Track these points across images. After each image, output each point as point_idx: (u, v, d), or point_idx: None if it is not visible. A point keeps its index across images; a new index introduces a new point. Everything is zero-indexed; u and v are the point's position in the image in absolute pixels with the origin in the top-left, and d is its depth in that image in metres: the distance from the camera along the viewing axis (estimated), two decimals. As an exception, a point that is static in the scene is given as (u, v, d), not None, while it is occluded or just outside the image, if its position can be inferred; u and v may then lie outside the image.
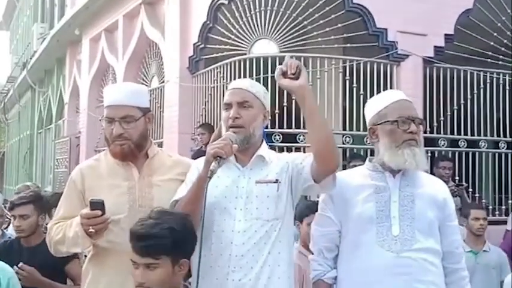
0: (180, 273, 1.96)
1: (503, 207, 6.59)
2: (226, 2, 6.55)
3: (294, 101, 6.04)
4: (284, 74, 2.07)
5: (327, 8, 6.19)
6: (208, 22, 6.88)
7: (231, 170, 2.18)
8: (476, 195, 6.64)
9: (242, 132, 2.17)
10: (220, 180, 2.13)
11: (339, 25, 6.29)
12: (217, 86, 6.72)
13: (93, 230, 2.06)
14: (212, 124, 6.60)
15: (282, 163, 2.22)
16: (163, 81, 7.91)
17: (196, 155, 5.39)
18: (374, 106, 2.27)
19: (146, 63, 8.90)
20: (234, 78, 6.27)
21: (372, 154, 6.49)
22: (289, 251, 2.21)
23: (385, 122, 2.19)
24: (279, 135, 5.95)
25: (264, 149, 2.25)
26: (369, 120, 2.27)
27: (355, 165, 5.68)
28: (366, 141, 6.34)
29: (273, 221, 2.14)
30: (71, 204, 2.32)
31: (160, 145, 6.72)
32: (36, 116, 16.67)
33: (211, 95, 6.89)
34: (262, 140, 2.27)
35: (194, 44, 7.17)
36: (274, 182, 2.16)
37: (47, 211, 3.56)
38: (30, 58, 15.47)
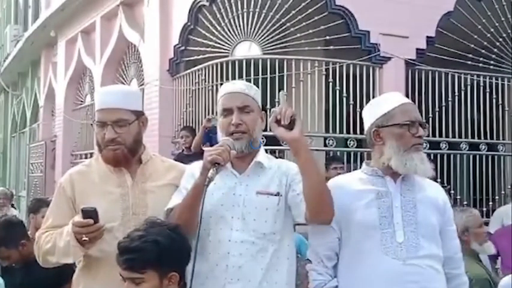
0: (170, 287, 1.88)
1: (484, 208, 6.62)
2: (207, 4, 6.47)
3: (277, 104, 6.01)
4: (278, 121, 1.96)
5: (310, 10, 6.15)
6: (189, 24, 6.80)
7: (227, 176, 2.10)
8: (458, 197, 6.68)
9: (245, 138, 2.09)
10: (216, 187, 2.04)
11: (322, 27, 6.26)
12: (198, 89, 6.63)
13: (86, 239, 1.96)
14: (194, 127, 6.52)
15: (281, 176, 2.13)
16: (142, 84, 7.78)
17: (178, 159, 5.30)
18: (379, 107, 2.18)
19: (125, 65, 8.76)
20: (216, 81, 6.20)
21: (356, 157, 6.54)
22: (289, 269, 2.12)
23: (393, 124, 2.11)
24: (262, 138, 5.86)
25: (262, 155, 2.16)
26: (372, 121, 2.18)
27: (336, 168, 5.73)
28: (349, 144, 6.33)
29: (270, 235, 2.06)
30: (60, 212, 2.22)
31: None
32: (10, 120, 16.36)
33: (192, 97, 6.80)
34: (260, 145, 2.19)
35: (175, 46, 7.08)
36: (276, 195, 2.08)
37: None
38: (4, 61, 15.16)
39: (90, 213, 1.96)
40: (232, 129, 2.09)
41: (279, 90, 6.03)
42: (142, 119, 2.28)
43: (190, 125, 6.69)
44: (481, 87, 6.82)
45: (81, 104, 10.30)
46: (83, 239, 1.97)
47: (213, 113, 5.75)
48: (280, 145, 5.92)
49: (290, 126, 1.95)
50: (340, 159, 5.96)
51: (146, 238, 1.82)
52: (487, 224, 5.85)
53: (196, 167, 2.18)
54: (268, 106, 5.83)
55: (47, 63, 12.21)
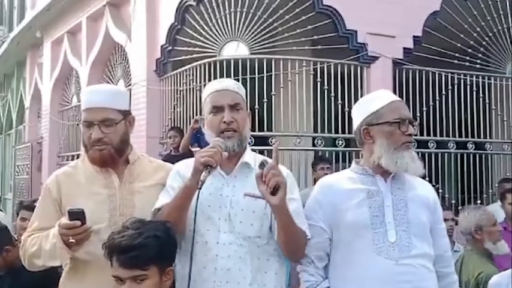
0: (167, 282, 1.86)
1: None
2: (194, 3, 6.44)
3: (265, 104, 6.01)
4: (262, 178, 1.89)
5: (297, 10, 6.15)
6: (176, 24, 6.76)
7: (215, 177, 2.05)
8: (446, 195, 6.70)
9: (236, 136, 2.06)
10: (203, 188, 1.98)
11: (309, 27, 6.26)
12: (186, 89, 6.60)
13: (73, 241, 1.92)
14: (182, 128, 6.49)
15: None
16: (129, 85, 7.73)
17: (166, 160, 5.26)
18: (369, 106, 2.15)
19: (111, 66, 8.70)
20: (204, 81, 6.17)
21: (344, 157, 6.53)
22: (279, 271, 2.10)
23: (383, 123, 2.09)
24: (250, 138, 5.86)
25: (248, 155, 2.13)
26: (362, 120, 2.15)
27: (323, 168, 5.72)
28: (338, 144, 6.33)
29: (255, 238, 2.03)
30: (46, 214, 2.17)
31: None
32: (-5, 122, 16.19)
33: (180, 98, 6.77)
34: (246, 145, 2.17)
35: (162, 46, 7.04)
36: (263, 198, 2.01)
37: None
38: (-11, 62, 14.99)
39: (77, 215, 1.92)
40: (223, 127, 2.06)
41: (267, 90, 6.05)
42: (129, 119, 2.24)
43: (178, 125, 6.65)
44: (468, 86, 6.85)
45: (67, 105, 10.22)
46: (70, 241, 1.93)
47: (201, 114, 5.71)
48: (269, 145, 5.92)
49: (274, 193, 1.88)
50: (327, 160, 5.96)
51: (147, 234, 1.79)
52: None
53: (182, 165, 2.15)
54: (256, 106, 5.85)
55: (32, 64, 12.10)
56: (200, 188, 1.89)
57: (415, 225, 2.07)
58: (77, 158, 6.96)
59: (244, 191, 1.99)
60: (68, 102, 10.26)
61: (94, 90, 2.28)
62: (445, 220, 4.08)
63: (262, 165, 1.89)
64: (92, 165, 2.20)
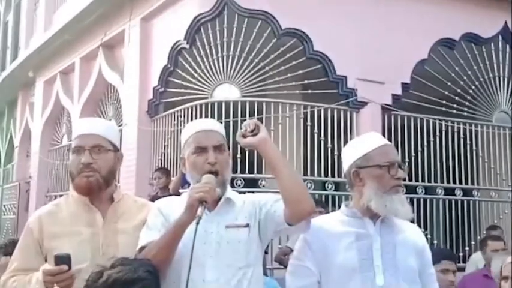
0: None
1: (460, 254, 6.65)
2: (187, 46, 6.54)
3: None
4: (244, 136, 2.04)
5: (288, 55, 6.27)
6: (169, 66, 6.85)
7: None
8: (435, 241, 6.70)
9: (219, 178, 2.06)
10: (189, 227, 1.96)
11: (300, 71, 6.38)
12: (177, 130, 6.63)
13: None
14: (170, 168, 6.48)
15: (249, 206, 2.12)
16: (121, 125, 7.75)
17: (153, 201, 5.22)
18: (359, 148, 2.17)
19: (103, 106, 8.74)
20: (196, 123, 6.20)
21: (333, 200, 6.54)
22: None
23: (373, 165, 2.10)
24: (241, 180, 5.89)
25: (230, 192, 2.15)
26: (352, 162, 2.16)
27: (321, 212, 5.68)
28: (327, 187, 6.35)
29: (245, 268, 2.03)
30: (26, 255, 2.11)
31: (116, 190, 6.52)
32: (-17, 160, 16.06)
33: (170, 139, 6.79)
34: (227, 186, 2.17)
35: (154, 88, 7.11)
36: (245, 226, 2.05)
37: None
38: (-20, 100, 14.99)
39: (64, 260, 1.87)
40: (207, 167, 2.06)
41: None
42: (118, 155, 2.23)
43: (168, 166, 6.65)
44: (456, 133, 6.95)
45: (57, 144, 10.20)
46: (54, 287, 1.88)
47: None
48: (259, 187, 5.93)
49: (255, 133, 2.03)
50: (321, 204, 5.91)
51: (142, 269, 1.76)
52: (462, 269, 5.89)
53: (162, 203, 2.15)
54: (247, 148, 5.87)
55: (23, 103, 12.12)
56: (198, 224, 1.87)
57: (404, 269, 2.06)
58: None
59: (226, 224, 2.02)
60: (58, 142, 10.24)
61: (88, 119, 2.32)
62: (446, 271, 3.76)
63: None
64: (75, 203, 2.15)
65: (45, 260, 2.06)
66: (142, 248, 2.01)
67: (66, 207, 2.17)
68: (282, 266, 5.92)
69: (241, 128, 2.05)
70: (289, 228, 2.05)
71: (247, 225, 2.07)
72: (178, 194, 5.47)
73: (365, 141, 2.20)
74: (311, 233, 2.14)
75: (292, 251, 5.72)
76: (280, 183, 2.00)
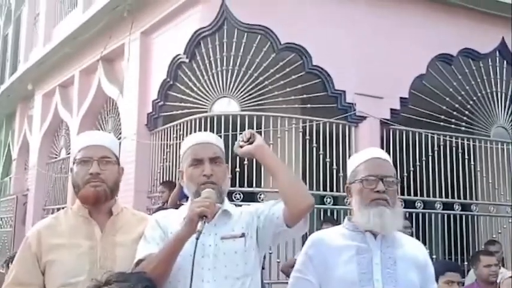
0: None
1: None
2: (187, 60, 6.58)
3: (254, 160, 6.04)
4: (241, 146, 2.13)
5: (288, 69, 6.31)
6: (168, 79, 6.88)
7: None
8: (433, 256, 6.68)
9: (216, 189, 2.08)
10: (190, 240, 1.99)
11: (299, 86, 6.41)
12: (176, 144, 6.64)
13: None
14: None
15: (246, 216, 2.15)
16: (119, 138, 7.76)
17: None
18: (350, 164, 2.25)
19: (102, 119, 8.76)
20: (195, 136, 6.21)
21: (332, 214, 6.51)
22: None
23: (355, 180, 2.16)
24: (239, 194, 5.89)
25: (227, 204, 2.18)
26: (348, 177, 2.24)
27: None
28: (326, 201, 6.35)
29: (243, 278, 2.04)
30: (23, 268, 2.11)
31: (115, 203, 6.51)
32: (-20, 173, 16.03)
33: (169, 152, 6.80)
34: (224, 197, 2.20)
35: (153, 101, 7.13)
36: (241, 237, 2.07)
37: None
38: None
39: None
40: (203, 179, 2.09)
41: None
42: (120, 168, 2.25)
43: (166, 180, 6.64)
44: (454, 148, 6.97)
45: (55, 157, 10.20)
46: None
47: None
48: (257, 201, 5.93)
49: (251, 142, 2.10)
50: (330, 220, 5.84)
51: (140, 285, 1.76)
52: (462, 284, 5.87)
53: (160, 216, 2.16)
54: (245, 162, 5.89)
55: (22, 116, 12.13)
56: (198, 238, 1.88)
57: (404, 284, 2.06)
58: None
59: (222, 235, 2.05)
60: (56, 155, 10.24)
61: (93, 132, 2.36)
62: (451, 282, 3.80)
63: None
64: (74, 216, 2.16)
65: (43, 274, 2.06)
66: (140, 260, 2.01)
67: (65, 220, 2.18)
68: (280, 281, 5.92)
69: (237, 141, 2.13)
70: (288, 231, 2.08)
71: (242, 235, 2.09)
72: (177, 207, 5.47)
73: (357, 156, 2.26)
74: (313, 247, 2.17)
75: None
76: (279, 184, 2.06)
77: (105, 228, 2.15)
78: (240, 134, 2.18)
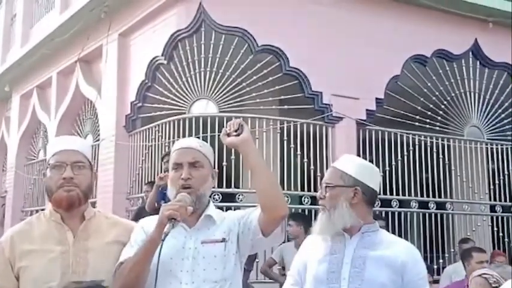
0: None
1: (434, 266, 6.76)
2: (165, 62, 6.60)
3: (233, 161, 6.09)
4: (228, 135, 2.13)
5: (265, 71, 6.37)
6: (146, 81, 6.89)
7: (177, 230, 2.08)
8: (409, 254, 6.79)
9: (193, 193, 2.12)
10: (165, 241, 2.01)
11: (276, 87, 6.49)
12: (154, 145, 6.67)
13: None
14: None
15: (230, 222, 2.18)
16: (98, 140, 7.76)
17: (139, 211, 5.22)
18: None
19: (80, 121, 8.74)
20: (173, 137, 6.26)
21: (310, 214, 6.58)
22: None
23: None
24: (218, 195, 5.93)
25: (211, 209, 2.21)
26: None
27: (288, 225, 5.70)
28: (304, 201, 6.43)
29: (221, 281, 2.08)
30: None
31: (93, 205, 6.50)
32: (-43, 175, 15.81)
33: (148, 153, 6.82)
34: (209, 200, 2.24)
35: (132, 103, 7.14)
36: (221, 241, 2.11)
37: None
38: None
39: None
40: (181, 183, 2.13)
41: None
42: (93, 173, 2.27)
43: (145, 181, 6.64)
44: (428, 148, 7.09)
45: (33, 159, 10.13)
46: None
47: (166, 171, 5.76)
48: (236, 202, 5.99)
49: (238, 134, 2.12)
50: (297, 218, 5.90)
51: None
52: (437, 281, 6.00)
53: (146, 221, 2.20)
54: (224, 163, 5.94)
55: (-1, 117, 12.03)
56: (163, 240, 1.93)
57: (370, 284, 2.12)
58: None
59: (202, 239, 2.09)
60: (34, 157, 10.18)
61: (66, 137, 2.39)
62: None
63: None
64: (47, 222, 2.17)
65: (17, 280, 2.07)
66: (121, 263, 2.05)
67: (38, 226, 2.17)
68: (264, 280, 5.98)
69: (225, 128, 2.14)
70: (263, 240, 2.11)
71: (223, 240, 2.12)
72: (155, 209, 5.49)
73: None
74: (301, 249, 2.37)
75: (276, 262, 5.79)
76: (257, 184, 2.09)
77: (77, 233, 2.15)
78: (219, 135, 2.22)
